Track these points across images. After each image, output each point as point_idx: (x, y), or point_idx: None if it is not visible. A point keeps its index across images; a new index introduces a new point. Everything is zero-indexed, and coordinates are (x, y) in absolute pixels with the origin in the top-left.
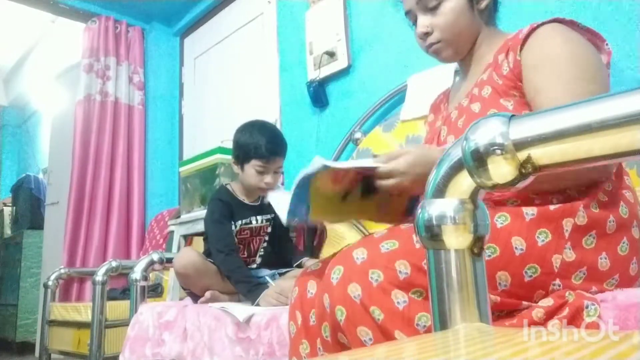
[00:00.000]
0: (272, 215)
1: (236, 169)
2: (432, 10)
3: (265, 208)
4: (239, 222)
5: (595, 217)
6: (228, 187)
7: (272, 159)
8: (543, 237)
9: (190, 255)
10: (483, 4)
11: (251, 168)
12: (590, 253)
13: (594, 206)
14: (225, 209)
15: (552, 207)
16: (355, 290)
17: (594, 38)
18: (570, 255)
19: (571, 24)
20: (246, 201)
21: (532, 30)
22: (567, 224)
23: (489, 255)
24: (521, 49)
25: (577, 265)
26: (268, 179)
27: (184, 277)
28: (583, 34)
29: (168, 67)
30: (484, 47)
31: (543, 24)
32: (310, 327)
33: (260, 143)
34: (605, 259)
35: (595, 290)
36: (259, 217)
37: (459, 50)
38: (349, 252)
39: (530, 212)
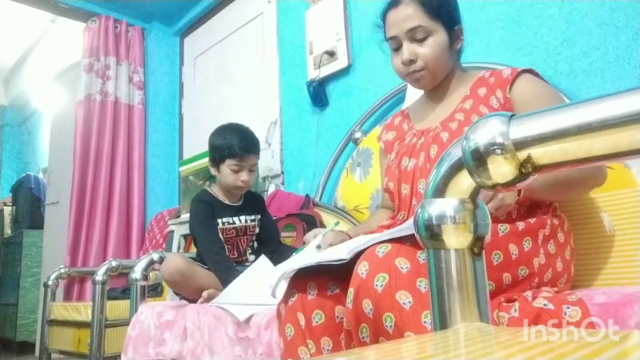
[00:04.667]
0: (259, 215)
1: (213, 171)
2: (419, 41)
3: (248, 208)
4: (221, 220)
5: (554, 228)
6: (208, 189)
7: (245, 157)
8: (527, 244)
9: (174, 261)
10: (458, 46)
11: (226, 168)
12: (552, 257)
13: (553, 220)
14: (207, 208)
15: (531, 221)
16: (405, 297)
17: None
18: (542, 258)
19: (537, 74)
20: (226, 202)
21: (517, 74)
22: (540, 234)
23: (497, 260)
24: (510, 89)
25: (547, 267)
26: (244, 176)
27: (173, 284)
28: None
29: (168, 66)
30: (455, 81)
31: (523, 71)
32: (314, 328)
33: (233, 142)
34: (560, 262)
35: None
36: (242, 217)
37: (435, 80)
38: (391, 261)
39: (520, 225)
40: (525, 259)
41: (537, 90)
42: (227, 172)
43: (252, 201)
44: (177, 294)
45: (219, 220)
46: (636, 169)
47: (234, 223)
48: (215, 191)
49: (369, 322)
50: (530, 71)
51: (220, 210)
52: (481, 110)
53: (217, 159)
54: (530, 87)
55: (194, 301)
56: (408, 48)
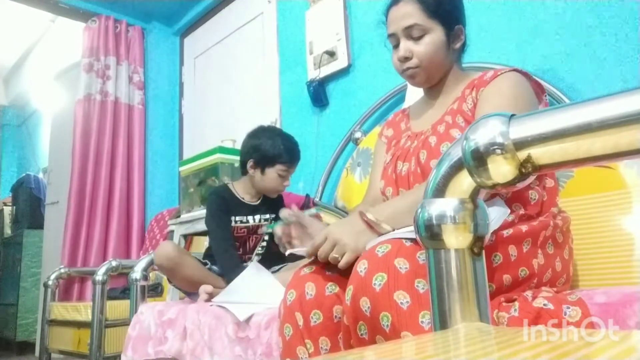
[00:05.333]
0: (273, 215)
1: (253, 172)
2: (416, 39)
3: (265, 208)
4: (234, 218)
5: (554, 229)
6: (229, 185)
7: (294, 164)
8: (526, 245)
9: (165, 248)
10: (457, 45)
11: (274, 172)
12: (551, 257)
13: (557, 221)
14: (222, 203)
15: (534, 223)
16: (403, 297)
17: (537, 88)
18: (541, 259)
19: (525, 75)
20: (245, 200)
21: (496, 75)
22: (541, 236)
23: (497, 262)
24: (484, 89)
25: (546, 267)
26: (287, 182)
27: (164, 270)
28: (532, 84)
29: (168, 66)
30: (451, 81)
31: (505, 72)
32: (312, 328)
33: (284, 150)
34: (559, 262)
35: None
36: (256, 217)
37: (430, 78)
38: (390, 261)
39: (524, 227)
40: (524, 260)
41: (499, 88)
42: (273, 176)
43: (271, 201)
44: (170, 282)
45: (232, 218)
46: (636, 169)
47: (247, 222)
48: (237, 188)
49: (367, 321)
50: (516, 70)
51: (236, 208)
52: (463, 109)
53: (264, 162)
54: (499, 84)
55: (191, 294)
56: (404, 45)
